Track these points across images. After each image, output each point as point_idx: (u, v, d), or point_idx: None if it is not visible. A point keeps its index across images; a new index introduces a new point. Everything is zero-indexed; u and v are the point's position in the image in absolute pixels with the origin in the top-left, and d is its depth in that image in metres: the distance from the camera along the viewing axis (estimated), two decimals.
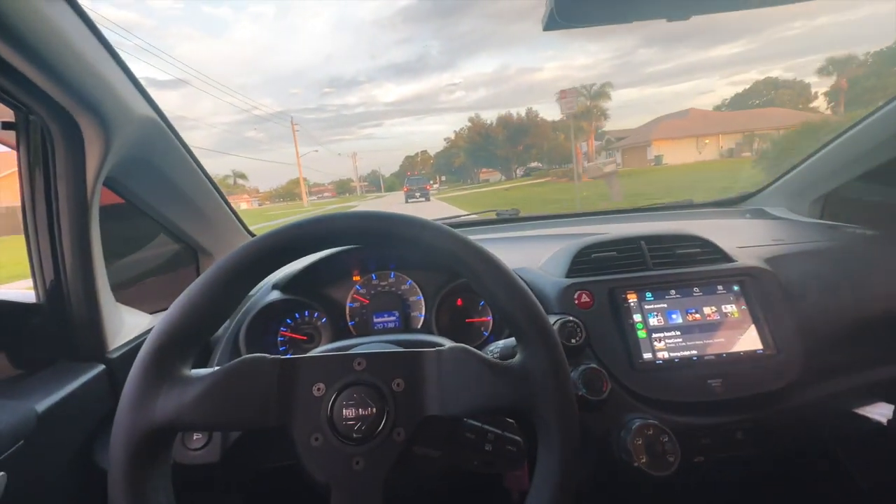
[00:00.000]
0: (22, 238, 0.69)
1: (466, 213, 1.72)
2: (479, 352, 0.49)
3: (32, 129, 0.64)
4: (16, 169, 0.67)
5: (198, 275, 1.06)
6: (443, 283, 1.00)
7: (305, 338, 0.98)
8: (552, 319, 0.78)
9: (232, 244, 1.13)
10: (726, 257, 0.89)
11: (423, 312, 1.02)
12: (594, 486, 0.79)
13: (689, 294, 0.85)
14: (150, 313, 0.90)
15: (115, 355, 0.72)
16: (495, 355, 0.67)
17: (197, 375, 0.46)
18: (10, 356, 0.67)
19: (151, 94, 0.78)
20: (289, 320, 0.99)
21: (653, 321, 0.83)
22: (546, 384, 0.46)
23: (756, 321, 0.82)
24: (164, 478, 0.45)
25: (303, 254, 0.51)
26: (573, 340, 0.76)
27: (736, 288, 0.85)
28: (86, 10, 0.62)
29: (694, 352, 0.80)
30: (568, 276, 0.88)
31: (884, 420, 0.89)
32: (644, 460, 0.67)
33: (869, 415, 0.91)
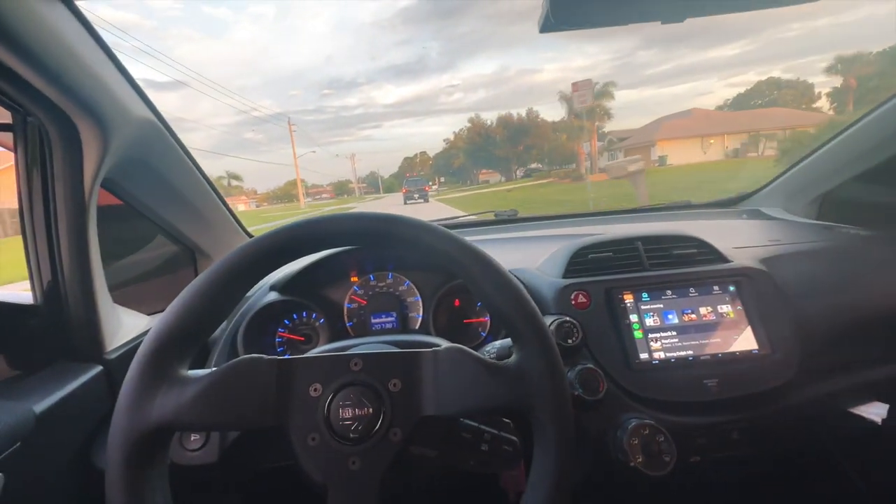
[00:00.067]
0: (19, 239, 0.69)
1: (466, 213, 1.73)
2: (474, 352, 0.49)
3: (30, 130, 0.64)
4: (11, 163, 0.67)
5: (195, 276, 1.07)
6: (440, 283, 1.00)
7: (303, 339, 0.98)
8: (549, 319, 0.79)
9: (230, 245, 1.13)
10: (722, 258, 0.90)
11: (421, 313, 1.02)
12: (591, 485, 0.79)
13: (685, 294, 0.85)
14: (148, 314, 0.90)
15: (112, 356, 0.72)
16: (492, 355, 0.68)
17: (194, 376, 0.46)
18: (9, 357, 0.67)
19: (150, 96, 0.78)
20: (287, 321, 0.99)
21: (649, 321, 0.83)
22: (541, 384, 0.46)
23: (751, 321, 0.83)
24: (162, 478, 0.46)
25: (301, 255, 0.52)
26: (570, 341, 0.76)
27: (732, 288, 0.86)
28: (83, 11, 0.63)
29: (690, 352, 0.81)
30: (565, 276, 0.88)
31: (878, 419, 0.90)
32: (640, 460, 0.67)
33: (864, 414, 0.91)
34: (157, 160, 0.85)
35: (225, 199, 1.12)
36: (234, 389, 0.46)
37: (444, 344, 0.51)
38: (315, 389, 0.47)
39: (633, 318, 0.83)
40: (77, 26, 0.62)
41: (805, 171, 1.27)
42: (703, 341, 0.82)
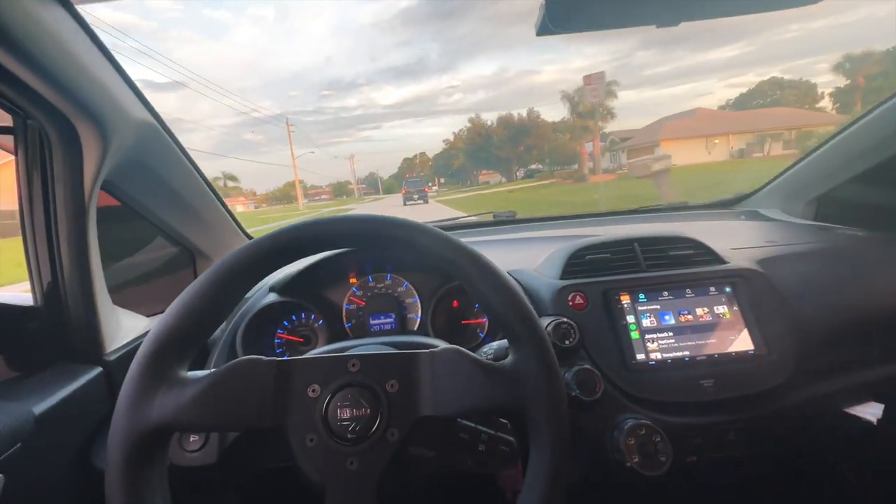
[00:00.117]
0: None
1: (466, 214, 1.73)
2: (471, 353, 0.50)
3: (30, 133, 0.65)
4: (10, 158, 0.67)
5: (195, 277, 1.07)
6: (439, 284, 1.01)
7: (302, 340, 0.99)
8: (546, 320, 0.79)
9: (229, 246, 1.14)
10: (719, 259, 0.90)
11: (420, 314, 1.03)
12: (587, 486, 0.80)
13: (681, 295, 0.86)
14: (148, 316, 0.90)
15: (112, 357, 0.73)
16: (489, 356, 0.68)
17: (193, 377, 0.47)
18: (8, 358, 0.67)
19: (149, 97, 0.78)
20: (286, 322, 0.99)
21: (646, 322, 0.83)
22: (537, 385, 0.47)
23: (748, 322, 0.83)
24: (161, 479, 0.46)
25: (299, 256, 0.52)
26: (567, 341, 0.76)
27: (728, 289, 0.86)
28: (83, 13, 0.63)
29: (686, 352, 0.81)
30: (562, 277, 0.89)
31: (874, 419, 0.90)
32: (636, 460, 0.68)
33: (860, 414, 0.92)
34: (156, 162, 0.85)
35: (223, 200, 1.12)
36: (232, 390, 0.46)
37: (442, 345, 0.52)
38: (313, 390, 0.48)
39: (630, 318, 0.84)
40: (76, 29, 0.62)
41: (802, 172, 1.28)
42: (700, 342, 0.82)
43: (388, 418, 0.47)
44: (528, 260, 1.01)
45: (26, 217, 0.67)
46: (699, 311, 0.84)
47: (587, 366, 0.74)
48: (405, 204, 19.34)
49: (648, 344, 0.82)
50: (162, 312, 0.48)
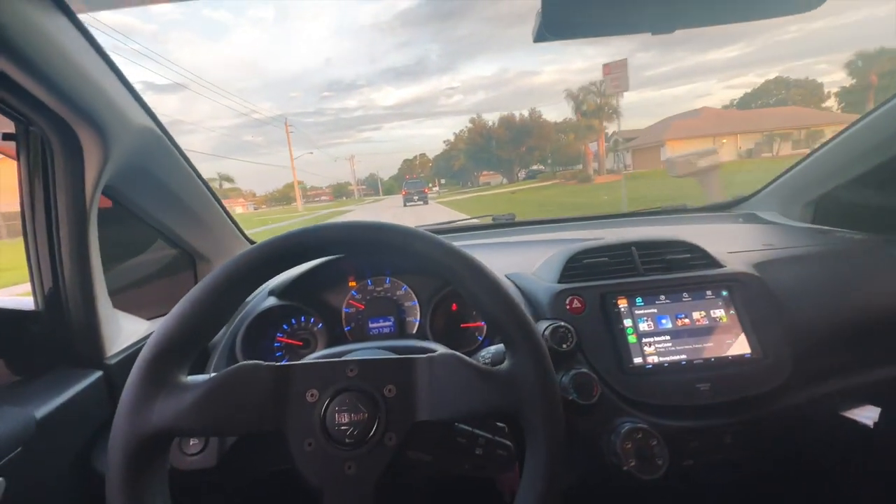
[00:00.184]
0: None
1: (466, 217, 1.73)
2: (468, 358, 0.50)
3: (32, 139, 0.65)
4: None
5: (195, 280, 1.08)
6: (437, 288, 1.01)
7: (301, 343, 0.99)
8: (544, 324, 0.79)
9: (229, 249, 1.14)
10: (715, 263, 0.91)
11: (419, 318, 1.03)
12: (584, 489, 0.80)
13: (678, 299, 0.86)
14: (148, 319, 0.91)
15: (112, 361, 0.73)
16: (486, 361, 0.68)
17: (193, 382, 0.47)
18: (10, 363, 0.68)
19: (150, 99, 0.79)
20: (285, 326, 1.00)
21: (643, 326, 0.84)
22: (533, 390, 0.47)
23: (744, 326, 0.84)
24: (161, 483, 0.47)
25: (298, 262, 0.53)
26: (564, 345, 0.77)
27: (724, 293, 0.87)
28: (83, 18, 0.64)
29: (683, 356, 0.82)
30: (560, 281, 0.89)
31: (870, 423, 0.91)
32: (633, 464, 0.68)
33: (856, 417, 0.92)
34: (156, 166, 0.86)
35: (222, 201, 1.13)
36: (232, 396, 0.47)
37: (439, 350, 0.52)
38: (312, 395, 0.48)
39: (628, 322, 0.84)
40: (78, 37, 0.63)
41: (801, 174, 1.29)
42: (697, 346, 0.82)
43: (385, 423, 0.48)
44: (526, 263, 1.02)
45: (28, 222, 0.68)
46: (696, 314, 0.85)
47: (584, 369, 0.75)
48: (405, 205, 19.37)
49: (645, 348, 0.82)
50: (162, 315, 0.48)
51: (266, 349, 0.97)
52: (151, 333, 0.48)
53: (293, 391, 0.48)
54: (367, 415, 0.48)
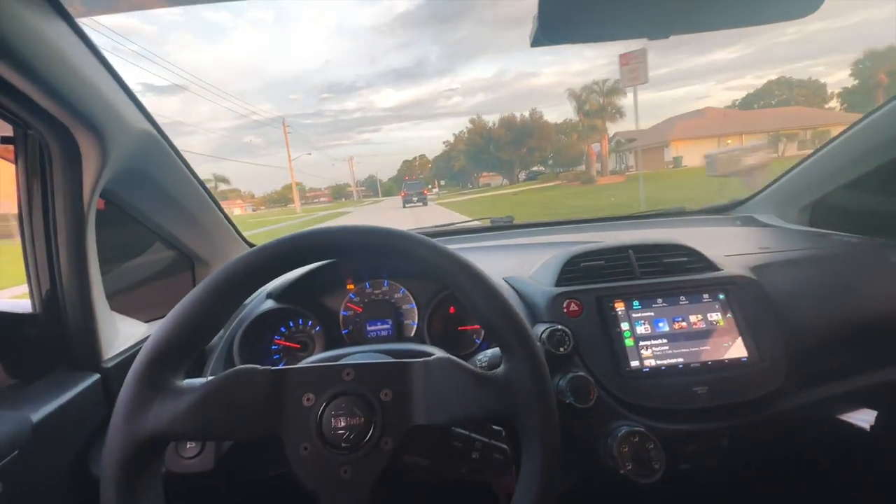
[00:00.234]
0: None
1: (466, 219, 1.73)
2: (464, 363, 0.50)
3: (31, 143, 0.65)
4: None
5: (193, 283, 1.08)
6: (435, 291, 1.01)
7: (299, 346, 0.99)
8: (541, 328, 0.80)
9: (227, 252, 1.14)
10: (712, 266, 0.91)
11: (416, 321, 1.03)
12: (581, 492, 0.80)
13: (675, 303, 0.86)
14: (146, 322, 0.91)
15: (110, 364, 0.73)
16: (483, 364, 0.69)
17: (190, 386, 0.48)
18: (6, 365, 0.68)
19: (150, 100, 0.81)
20: (283, 329, 1.00)
21: (640, 329, 0.84)
22: (529, 394, 0.47)
23: (741, 329, 0.84)
24: (157, 486, 0.47)
25: (295, 266, 0.53)
26: (561, 349, 0.77)
27: (721, 296, 0.87)
28: (81, 22, 0.64)
29: (680, 359, 0.82)
30: (557, 284, 0.89)
31: (867, 426, 0.91)
32: (630, 467, 0.68)
33: (853, 421, 0.92)
34: (154, 170, 0.86)
35: (220, 203, 1.13)
36: (228, 400, 0.47)
37: (436, 354, 0.52)
38: (308, 399, 0.49)
39: (625, 325, 0.84)
40: (76, 41, 0.63)
41: (798, 177, 1.29)
42: (693, 349, 0.83)
43: (381, 427, 0.48)
44: (523, 266, 1.02)
45: (26, 225, 0.68)
46: (693, 318, 0.85)
47: (581, 373, 0.75)
48: (404, 206, 19.37)
49: (642, 351, 0.82)
50: (160, 318, 0.48)
51: (264, 352, 0.97)
52: (148, 337, 0.48)
53: (289, 395, 0.49)
54: (363, 419, 0.48)
